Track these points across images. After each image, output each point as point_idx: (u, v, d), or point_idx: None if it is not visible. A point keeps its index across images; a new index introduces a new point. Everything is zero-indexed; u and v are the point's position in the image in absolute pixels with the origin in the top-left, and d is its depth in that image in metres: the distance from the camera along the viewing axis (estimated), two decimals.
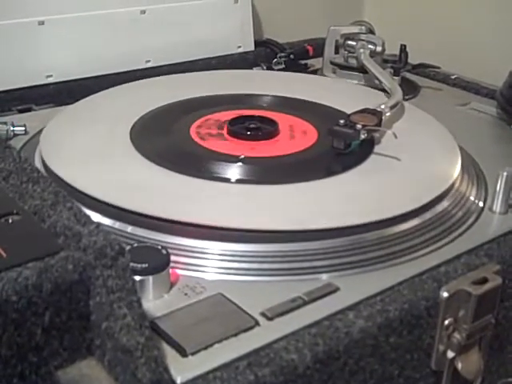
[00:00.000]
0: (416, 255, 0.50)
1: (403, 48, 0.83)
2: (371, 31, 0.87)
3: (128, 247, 0.45)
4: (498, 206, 0.57)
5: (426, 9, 1.04)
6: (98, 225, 0.42)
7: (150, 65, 0.86)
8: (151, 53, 0.86)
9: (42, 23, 0.78)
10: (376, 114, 0.62)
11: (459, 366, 0.49)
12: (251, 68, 0.90)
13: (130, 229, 0.50)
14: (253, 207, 0.52)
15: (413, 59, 0.89)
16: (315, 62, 0.92)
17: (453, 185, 0.57)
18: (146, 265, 0.44)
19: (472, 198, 0.58)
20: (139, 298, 0.39)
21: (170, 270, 0.45)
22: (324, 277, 0.47)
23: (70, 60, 0.80)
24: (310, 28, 0.99)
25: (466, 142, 0.68)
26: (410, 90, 0.85)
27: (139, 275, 0.43)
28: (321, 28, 0.89)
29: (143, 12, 0.85)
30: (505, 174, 0.56)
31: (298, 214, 0.51)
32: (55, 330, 0.38)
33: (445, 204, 0.55)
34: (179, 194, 0.53)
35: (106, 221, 0.50)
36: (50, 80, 0.79)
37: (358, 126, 0.59)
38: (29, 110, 0.75)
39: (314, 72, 0.90)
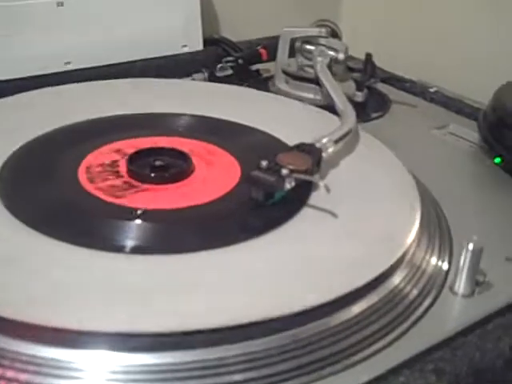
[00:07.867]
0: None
1: (369, 58, 0.68)
2: (335, 34, 0.72)
3: None
4: (460, 286, 0.43)
5: (408, 15, 0.90)
6: None
7: (70, 67, 0.72)
8: (71, 53, 0.72)
9: None
10: (312, 152, 0.49)
11: None
12: (193, 73, 0.75)
13: None
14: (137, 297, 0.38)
15: (393, 67, 0.75)
16: (272, 67, 0.78)
17: (404, 256, 0.44)
18: None
19: (429, 273, 0.44)
20: None
21: None
22: None
23: None
24: (277, 24, 0.84)
25: (435, 181, 0.55)
26: (379, 105, 0.71)
27: None
28: (291, 24, 0.75)
29: (61, 4, 0.71)
30: (470, 246, 0.42)
31: (187, 308, 0.37)
32: None
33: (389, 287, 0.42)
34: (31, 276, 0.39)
35: None
36: None
37: (284, 172, 0.45)
38: None
39: (268, 79, 0.75)
